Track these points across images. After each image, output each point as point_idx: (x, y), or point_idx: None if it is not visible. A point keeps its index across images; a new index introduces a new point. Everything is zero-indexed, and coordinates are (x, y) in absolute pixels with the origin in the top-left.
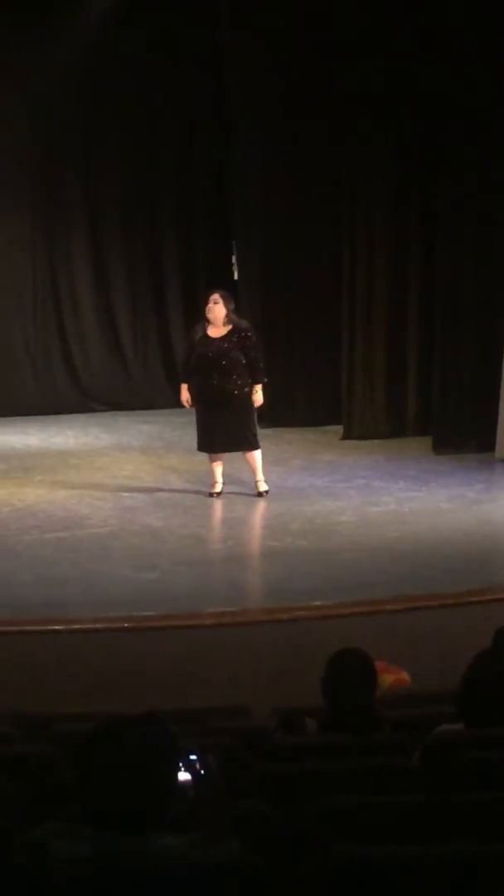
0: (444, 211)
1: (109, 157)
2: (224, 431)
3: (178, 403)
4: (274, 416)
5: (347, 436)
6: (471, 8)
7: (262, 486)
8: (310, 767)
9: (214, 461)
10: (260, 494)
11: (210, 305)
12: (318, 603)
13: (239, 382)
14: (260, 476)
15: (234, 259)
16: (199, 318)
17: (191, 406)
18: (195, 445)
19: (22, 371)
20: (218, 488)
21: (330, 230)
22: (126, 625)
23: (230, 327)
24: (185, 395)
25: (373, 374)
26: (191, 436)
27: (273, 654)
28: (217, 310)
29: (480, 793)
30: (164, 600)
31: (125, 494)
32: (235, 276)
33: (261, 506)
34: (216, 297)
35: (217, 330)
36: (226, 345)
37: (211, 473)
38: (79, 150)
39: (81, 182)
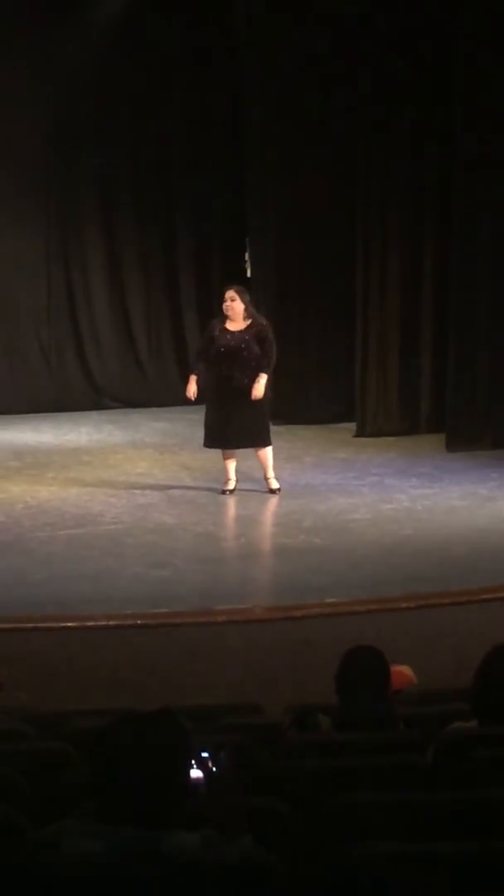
0: (459, 208)
1: (125, 154)
2: (239, 427)
3: (191, 400)
4: (287, 413)
5: (361, 433)
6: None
7: (274, 484)
8: (323, 765)
9: (228, 458)
10: (272, 492)
11: (228, 303)
12: (331, 600)
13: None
14: (271, 473)
15: (247, 256)
16: (214, 315)
17: (194, 398)
18: (191, 444)
19: (35, 368)
20: (231, 485)
21: (344, 227)
22: (139, 622)
23: (249, 321)
24: (193, 386)
25: (386, 372)
26: (203, 433)
27: (286, 651)
28: (236, 306)
29: (494, 790)
30: (176, 597)
31: (138, 492)
32: (249, 274)
33: (273, 503)
34: (232, 293)
35: (236, 324)
36: (246, 336)
37: (224, 471)
38: (94, 146)
39: (96, 180)
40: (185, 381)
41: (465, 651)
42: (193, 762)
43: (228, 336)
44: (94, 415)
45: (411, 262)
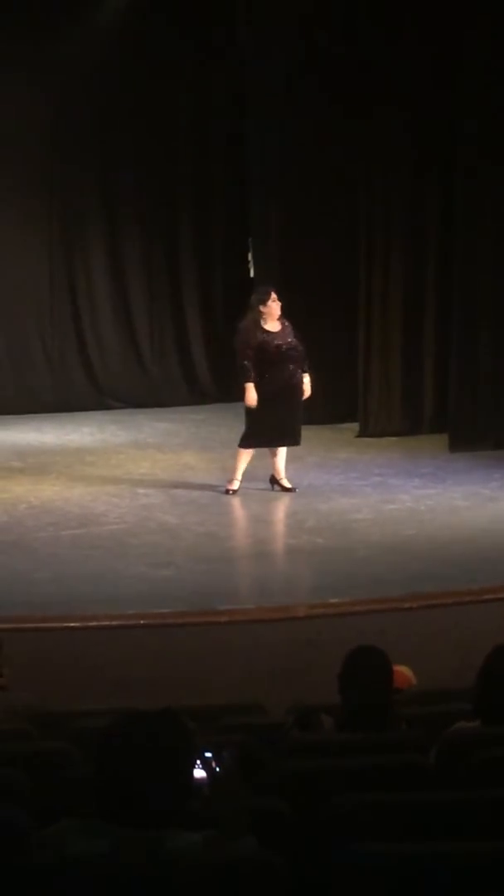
0: (461, 208)
1: (127, 156)
2: (290, 424)
3: (194, 400)
4: None
5: (363, 433)
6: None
7: (289, 483)
8: (326, 765)
9: (246, 458)
10: (289, 490)
11: (276, 303)
12: (333, 600)
13: (303, 373)
14: (284, 472)
15: (250, 257)
16: (216, 314)
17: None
18: (207, 443)
19: (38, 368)
20: (236, 486)
21: (346, 228)
22: (142, 622)
23: (282, 321)
24: (254, 394)
25: (389, 372)
26: (206, 432)
27: (289, 651)
28: (279, 306)
29: (497, 790)
30: (179, 597)
31: (141, 492)
32: (252, 274)
33: (276, 503)
34: (275, 294)
35: (274, 324)
36: (290, 337)
37: (233, 470)
38: (96, 147)
39: (98, 180)
40: (189, 382)
41: (468, 651)
42: (196, 762)
43: (275, 336)
44: (96, 415)
45: (414, 262)
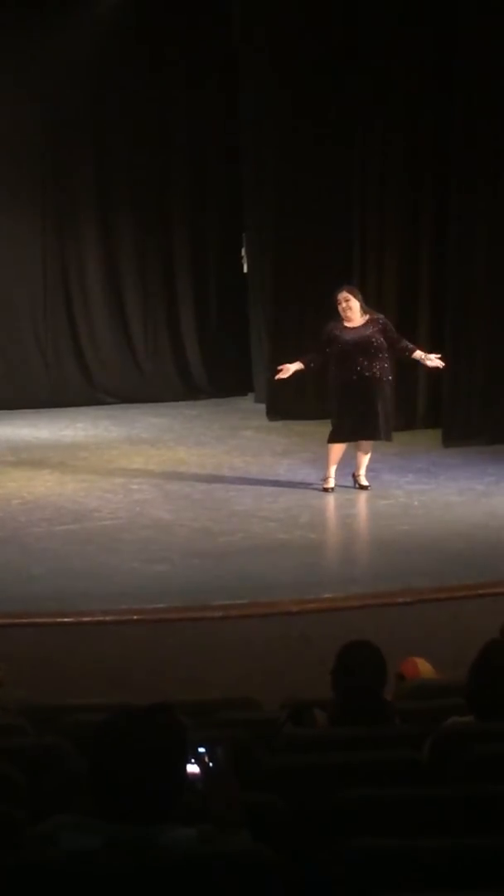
0: (456, 205)
1: (121, 151)
2: (368, 416)
3: (187, 396)
4: (284, 408)
5: None
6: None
7: (365, 481)
8: (319, 760)
9: (333, 454)
10: (363, 488)
11: (343, 305)
12: (327, 595)
13: (385, 367)
14: (364, 470)
15: (243, 252)
16: (210, 308)
17: (286, 376)
18: (201, 438)
19: (32, 363)
20: (331, 483)
21: (340, 224)
22: (136, 617)
23: (367, 317)
24: (292, 367)
25: None
26: (199, 428)
27: (283, 646)
28: (353, 305)
29: (491, 786)
30: (173, 593)
31: (135, 487)
32: (245, 269)
33: (270, 499)
34: (345, 294)
35: (354, 322)
36: (369, 330)
37: (325, 467)
38: (89, 142)
39: (92, 175)
40: (183, 377)
41: (462, 646)
42: (190, 757)
43: (352, 332)
44: (90, 410)
45: (408, 258)
